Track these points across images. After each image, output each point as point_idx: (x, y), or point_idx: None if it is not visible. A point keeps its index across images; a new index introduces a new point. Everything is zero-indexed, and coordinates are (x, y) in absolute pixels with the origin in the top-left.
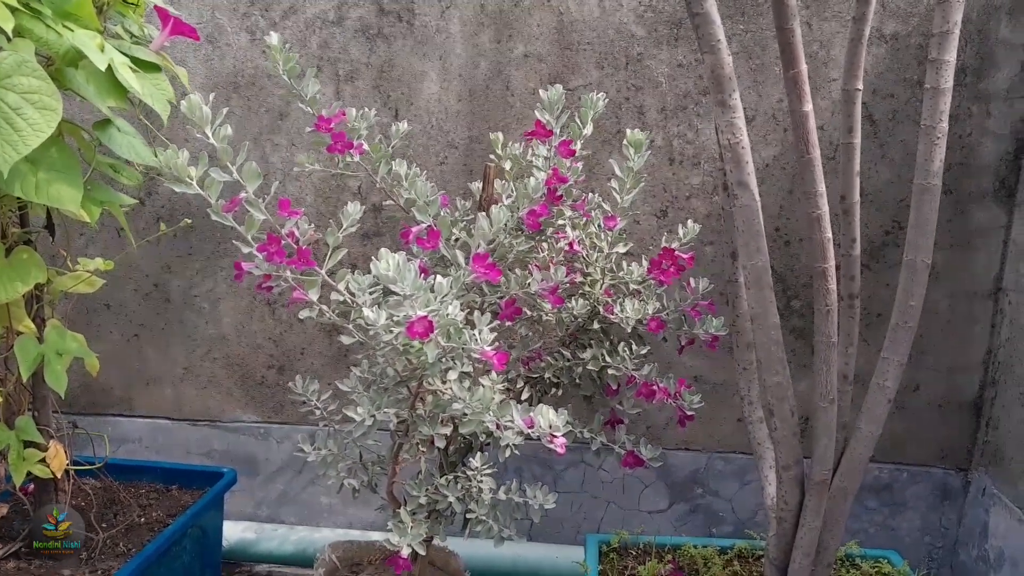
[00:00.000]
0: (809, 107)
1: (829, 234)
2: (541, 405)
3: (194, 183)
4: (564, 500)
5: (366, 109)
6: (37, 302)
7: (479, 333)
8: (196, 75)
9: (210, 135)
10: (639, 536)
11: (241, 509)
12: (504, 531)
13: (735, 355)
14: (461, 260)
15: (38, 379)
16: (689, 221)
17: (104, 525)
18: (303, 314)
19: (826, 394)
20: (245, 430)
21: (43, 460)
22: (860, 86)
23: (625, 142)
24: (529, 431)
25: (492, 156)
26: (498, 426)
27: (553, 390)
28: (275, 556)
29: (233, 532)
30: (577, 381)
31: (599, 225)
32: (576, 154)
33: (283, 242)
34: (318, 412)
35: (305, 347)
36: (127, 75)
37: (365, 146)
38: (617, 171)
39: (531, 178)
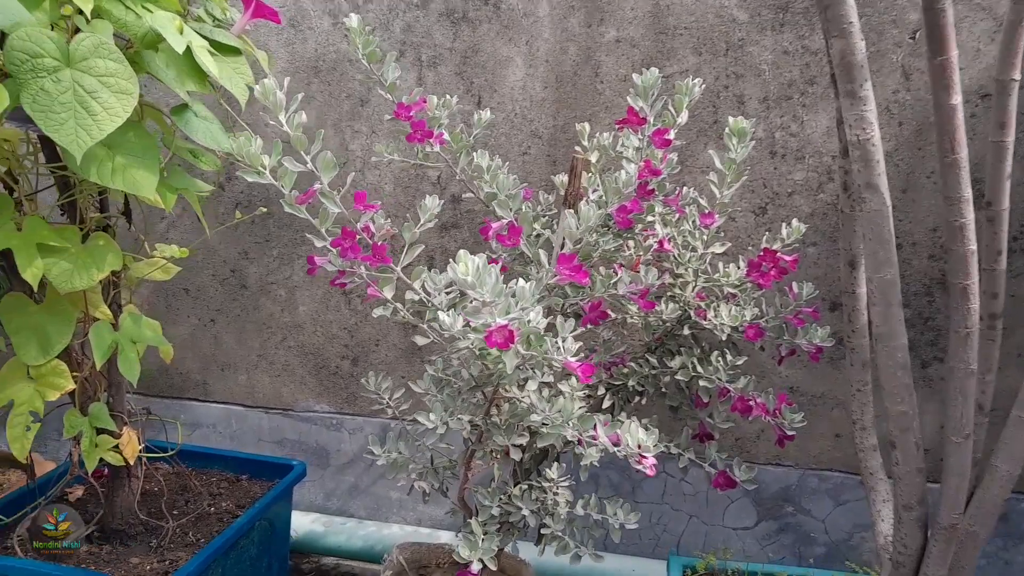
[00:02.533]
0: (958, 99)
1: (973, 246)
2: (629, 422)
3: (267, 172)
4: (643, 511)
5: (448, 96)
6: (114, 288)
7: (562, 341)
8: (278, 59)
9: (283, 122)
10: (727, 562)
11: (311, 500)
12: (580, 549)
13: (848, 374)
14: (544, 260)
15: (113, 365)
16: (794, 220)
17: (176, 512)
18: (377, 312)
19: (961, 428)
20: (318, 420)
21: (116, 447)
22: (1018, 76)
23: (727, 131)
24: (615, 449)
25: (577, 148)
26: (579, 441)
27: (636, 399)
28: (343, 550)
29: (302, 523)
30: (663, 390)
31: (694, 222)
32: (671, 144)
33: (358, 237)
34: (389, 412)
35: (380, 339)
36: (205, 58)
37: (446, 136)
38: (717, 163)
39: (621, 171)
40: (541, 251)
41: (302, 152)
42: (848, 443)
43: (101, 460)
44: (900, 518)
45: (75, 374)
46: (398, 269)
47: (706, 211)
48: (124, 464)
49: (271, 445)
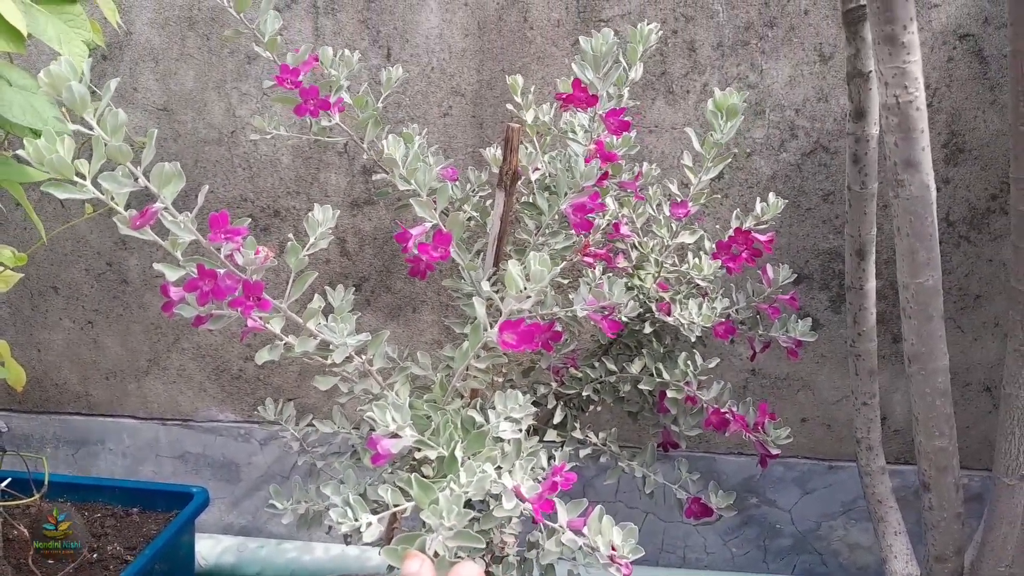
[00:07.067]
0: None
1: None
2: (600, 513)
3: (87, 183)
4: None
5: (346, 51)
6: None
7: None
8: (143, 10)
9: (94, 123)
10: None
11: (220, 519)
12: None
13: (852, 384)
14: (482, 314)
15: None
16: (770, 195)
17: (52, 562)
18: (262, 357)
19: (1016, 468)
20: (223, 430)
21: None
22: None
23: (711, 106)
24: (581, 542)
25: (510, 106)
26: (536, 520)
27: (591, 407)
28: None
29: (210, 553)
30: (621, 395)
31: (658, 205)
32: (630, 127)
33: (221, 273)
34: (295, 446)
35: None
36: (6, 7)
37: (346, 99)
38: (696, 145)
39: (570, 150)
40: (476, 302)
41: (128, 165)
42: (816, 428)
43: None
44: (931, 570)
45: None
46: (284, 306)
47: (677, 199)
48: None
49: (171, 460)
